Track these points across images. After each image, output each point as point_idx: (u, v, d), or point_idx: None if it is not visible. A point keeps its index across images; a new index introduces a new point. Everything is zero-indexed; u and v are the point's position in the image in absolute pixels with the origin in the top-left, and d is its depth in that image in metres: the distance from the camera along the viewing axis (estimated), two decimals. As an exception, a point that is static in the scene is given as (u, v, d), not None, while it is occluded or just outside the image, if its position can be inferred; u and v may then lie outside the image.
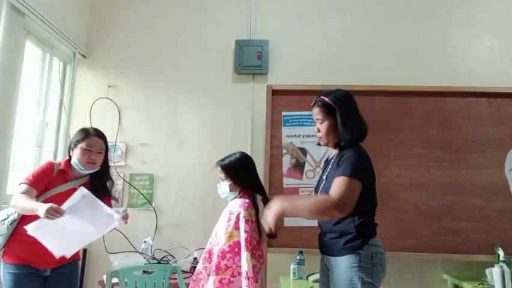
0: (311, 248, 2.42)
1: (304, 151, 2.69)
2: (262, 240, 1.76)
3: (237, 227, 1.69)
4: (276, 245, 2.45)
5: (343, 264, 1.48)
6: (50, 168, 1.80)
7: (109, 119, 2.88)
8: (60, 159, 2.73)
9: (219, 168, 1.86)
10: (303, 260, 2.46)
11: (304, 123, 2.72)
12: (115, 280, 2.13)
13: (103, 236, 2.68)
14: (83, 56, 2.94)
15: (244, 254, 1.62)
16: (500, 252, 2.36)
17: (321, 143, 1.68)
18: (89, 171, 1.84)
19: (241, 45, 2.91)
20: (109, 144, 2.91)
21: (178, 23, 3.01)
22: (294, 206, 1.49)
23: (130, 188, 2.81)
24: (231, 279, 1.62)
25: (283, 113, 2.75)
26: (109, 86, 2.92)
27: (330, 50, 2.94)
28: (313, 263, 2.46)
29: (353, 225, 1.50)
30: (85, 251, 2.69)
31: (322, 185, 1.63)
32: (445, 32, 2.95)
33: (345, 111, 1.61)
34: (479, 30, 2.94)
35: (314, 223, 1.70)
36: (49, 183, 1.77)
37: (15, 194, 1.68)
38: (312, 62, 2.91)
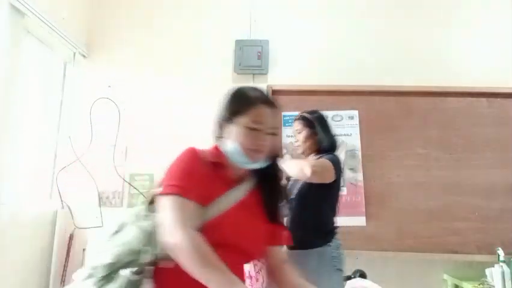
0: (311, 248, 2.44)
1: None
2: None
3: None
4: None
5: (316, 257, 1.71)
6: (198, 160, 1.11)
7: (109, 119, 2.88)
8: (60, 160, 2.74)
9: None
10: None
11: (305, 123, 2.72)
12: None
13: (103, 236, 2.70)
14: (83, 56, 2.93)
15: None
16: (500, 252, 2.36)
17: (299, 151, 1.97)
18: (254, 165, 1.13)
19: (241, 45, 2.91)
20: (109, 144, 2.94)
21: (178, 23, 3.01)
22: None
23: (130, 188, 2.81)
24: None
25: (283, 113, 2.75)
26: (109, 86, 2.92)
27: (330, 50, 2.94)
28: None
29: (322, 221, 1.81)
30: (85, 250, 2.69)
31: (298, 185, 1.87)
32: (445, 32, 2.95)
33: (322, 123, 1.95)
34: (480, 30, 2.94)
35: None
36: (204, 190, 1.06)
37: (169, 223, 0.98)
38: (312, 62, 2.91)
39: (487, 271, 2.34)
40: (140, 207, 1.17)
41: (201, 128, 2.87)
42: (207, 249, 0.95)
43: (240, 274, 1.07)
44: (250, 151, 1.10)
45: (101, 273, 1.00)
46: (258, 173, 1.19)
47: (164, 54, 2.97)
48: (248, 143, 1.10)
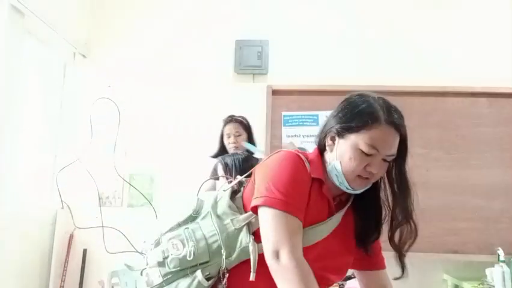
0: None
1: (304, 151, 2.69)
2: None
3: None
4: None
5: None
6: (305, 174, 0.96)
7: (109, 119, 2.87)
8: (61, 160, 2.74)
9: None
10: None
11: (304, 123, 2.72)
12: (115, 280, 2.13)
13: (103, 236, 2.70)
14: (83, 56, 2.93)
15: None
16: (500, 252, 2.36)
17: (238, 151, 2.15)
18: (355, 192, 0.99)
19: (241, 45, 2.90)
20: (109, 144, 2.95)
21: (178, 23, 3.01)
22: None
23: (130, 188, 2.81)
24: None
25: (283, 113, 2.75)
26: (109, 86, 2.92)
27: (330, 50, 2.94)
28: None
29: None
30: (84, 251, 2.69)
31: None
32: (446, 32, 2.94)
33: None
34: (480, 30, 2.93)
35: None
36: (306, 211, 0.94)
37: (277, 242, 0.87)
38: (312, 62, 2.91)
39: (487, 271, 2.34)
40: (222, 193, 1.04)
41: (201, 128, 2.89)
42: (313, 279, 0.85)
43: None
44: (356, 177, 0.94)
45: (173, 266, 0.93)
46: (356, 194, 1.02)
47: (164, 54, 2.97)
48: (355, 167, 0.93)
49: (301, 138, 2.70)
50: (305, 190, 0.94)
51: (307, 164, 0.97)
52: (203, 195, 1.08)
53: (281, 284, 0.85)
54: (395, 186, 1.01)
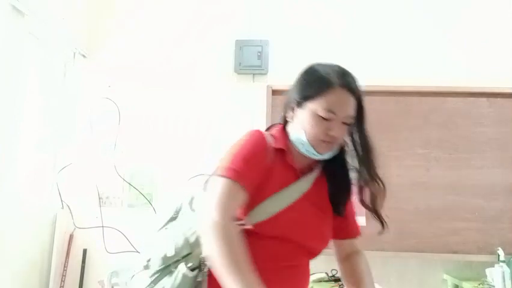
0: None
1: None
2: None
3: None
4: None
5: None
6: (263, 147, 0.99)
7: (109, 119, 2.88)
8: (61, 160, 2.74)
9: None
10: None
11: (304, 123, 2.72)
12: (114, 280, 2.13)
13: (103, 236, 2.70)
14: (83, 56, 2.93)
15: None
16: (500, 252, 2.36)
17: None
18: (321, 157, 1.02)
19: (241, 45, 2.90)
20: (109, 144, 2.95)
21: (178, 23, 3.01)
22: None
23: (130, 188, 2.81)
24: None
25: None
26: (109, 86, 2.92)
27: (330, 50, 2.94)
28: (313, 263, 2.46)
29: None
30: (85, 250, 2.69)
31: None
32: (446, 32, 2.94)
33: None
34: (480, 30, 2.94)
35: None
36: (264, 179, 0.97)
37: (210, 204, 0.90)
38: (311, 62, 2.91)
39: (487, 271, 2.34)
40: (197, 188, 1.06)
41: (201, 128, 2.89)
42: (239, 243, 0.86)
43: (299, 269, 1.04)
44: (319, 142, 0.98)
45: (157, 266, 0.95)
46: (324, 162, 1.06)
47: (164, 54, 2.97)
48: (318, 133, 0.97)
49: (301, 138, 2.70)
50: (259, 161, 0.97)
51: (269, 138, 1.02)
52: (180, 195, 1.09)
53: (208, 248, 0.87)
54: (359, 148, 1.05)
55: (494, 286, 2.25)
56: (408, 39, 2.94)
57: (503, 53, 2.90)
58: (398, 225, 2.54)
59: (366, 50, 2.93)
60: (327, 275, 2.39)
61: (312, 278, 2.37)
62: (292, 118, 1.04)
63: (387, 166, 2.92)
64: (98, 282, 2.36)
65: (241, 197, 0.92)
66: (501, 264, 2.28)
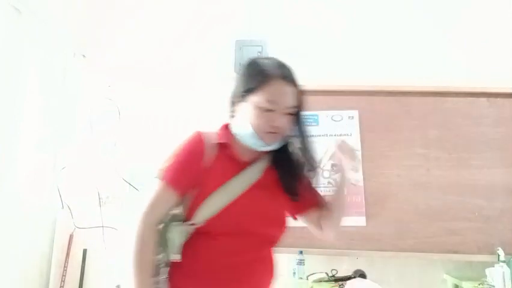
0: (311, 248, 2.44)
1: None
2: None
3: None
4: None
5: None
6: (199, 149, 1.05)
7: (109, 119, 2.88)
8: (61, 160, 2.74)
9: None
10: (303, 260, 2.46)
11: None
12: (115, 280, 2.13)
13: (103, 236, 2.70)
14: (83, 56, 2.93)
15: None
16: (500, 252, 2.36)
17: None
18: (268, 148, 1.06)
19: (241, 45, 2.90)
20: (109, 144, 2.94)
21: (178, 23, 3.01)
22: None
23: (130, 188, 2.80)
24: None
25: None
26: (109, 86, 2.92)
27: (330, 50, 2.94)
28: (313, 263, 2.46)
29: None
30: (85, 251, 2.69)
31: None
32: (446, 32, 2.94)
33: None
34: (480, 30, 2.94)
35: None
36: (204, 177, 1.02)
37: (143, 208, 1.03)
38: (311, 63, 2.91)
39: (487, 271, 2.34)
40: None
41: (201, 128, 2.88)
42: (149, 248, 0.98)
43: (258, 262, 1.05)
44: (264, 133, 1.01)
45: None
46: (272, 152, 1.10)
47: (164, 54, 2.97)
48: (261, 124, 1.00)
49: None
50: (191, 163, 1.03)
51: (209, 137, 1.07)
52: None
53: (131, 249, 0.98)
54: (300, 138, 1.11)
55: (494, 286, 2.25)
56: (408, 39, 2.94)
57: (503, 53, 2.90)
58: (398, 225, 2.54)
59: (366, 50, 2.93)
60: (327, 275, 2.39)
61: (312, 278, 2.37)
62: (236, 112, 1.07)
63: (387, 166, 2.94)
64: (98, 282, 2.36)
65: (172, 199, 1.02)
66: (501, 264, 2.28)
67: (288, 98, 1.01)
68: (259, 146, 1.04)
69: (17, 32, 2.23)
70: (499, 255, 2.35)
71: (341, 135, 2.67)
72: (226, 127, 1.12)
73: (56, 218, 2.64)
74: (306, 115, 1.11)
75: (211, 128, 1.14)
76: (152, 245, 0.98)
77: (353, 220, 2.52)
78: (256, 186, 1.05)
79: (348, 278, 2.27)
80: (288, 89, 1.02)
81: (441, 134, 2.67)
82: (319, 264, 2.48)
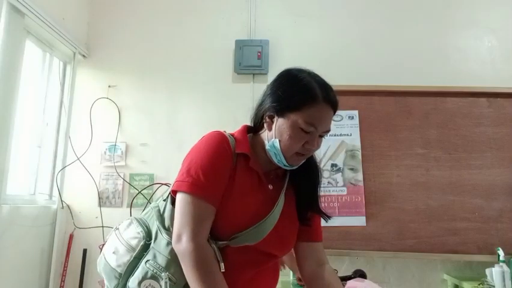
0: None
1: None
2: None
3: None
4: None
5: None
6: (226, 154, 0.96)
7: (109, 119, 2.88)
8: (61, 160, 2.74)
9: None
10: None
11: (304, 123, 2.72)
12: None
13: (103, 236, 2.70)
14: (83, 56, 2.93)
15: None
16: (500, 252, 2.36)
17: None
18: (291, 167, 1.01)
19: (241, 45, 2.90)
20: (109, 144, 2.95)
21: (178, 23, 3.01)
22: None
23: (130, 188, 2.81)
24: None
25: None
26: (109, 86, 2.92)
27: (330, 50, 2.94)
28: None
29: None
30: (85, 251, 2.69)
31: None
32: (445, 32, 2.95)
33: None
34: (479, 30, 2.94)
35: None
36: (228, 187, 0.95)
37: (179, 227, 0.90)
38: (312, 62, 2.87)
39: (487, 271, 2.34)
40: (162, 203, 1.03)
41: (201, 128, 2.88)
42: (212, 264, 0.87)
43: (261, 275, 1.01)
44: (293, 154, 0.95)
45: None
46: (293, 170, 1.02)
47: (164, 54, 2.97)
48: (294, 145, 0.94)
49: (301, 138, 2.70)
50: (223, 171, 0.94)
51: (231, 142, 0.98)
52: (145, 214, 1.06)
53: (183, 267, 0.88)
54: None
55: (494, 286, 2.25)
56: (408, 39, 2.94)
57: (503, 53, 2.90)
58: (398, 225, 2.54)
59: (366, 50, 2.93)
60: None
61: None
62: (266, 123, 1.00)
63: (387, 166, 2.94)
64: (98, 282, 2.36)
65: (210, 215, 0.91)
66: (501, 264, 2.28)
67: (328, 123, 0.96)
68: (283, 165, 0.98)
69: (17, 32, 2.23)
70: (499, 255, 2.35)
71: (341, 135, 2.67)
72: (245, 133, 1.03)
73: (56, 218, 2.64)
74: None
75: (216, 128, 1.08)
76: (213, 262, 0.88)
77: (353, 220, 2.53)
78: (281, 212, 0.99)
79: (348, 278, 2.27)
80: (331, 114, 0.95)
81: (441, 134, 2.67)
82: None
